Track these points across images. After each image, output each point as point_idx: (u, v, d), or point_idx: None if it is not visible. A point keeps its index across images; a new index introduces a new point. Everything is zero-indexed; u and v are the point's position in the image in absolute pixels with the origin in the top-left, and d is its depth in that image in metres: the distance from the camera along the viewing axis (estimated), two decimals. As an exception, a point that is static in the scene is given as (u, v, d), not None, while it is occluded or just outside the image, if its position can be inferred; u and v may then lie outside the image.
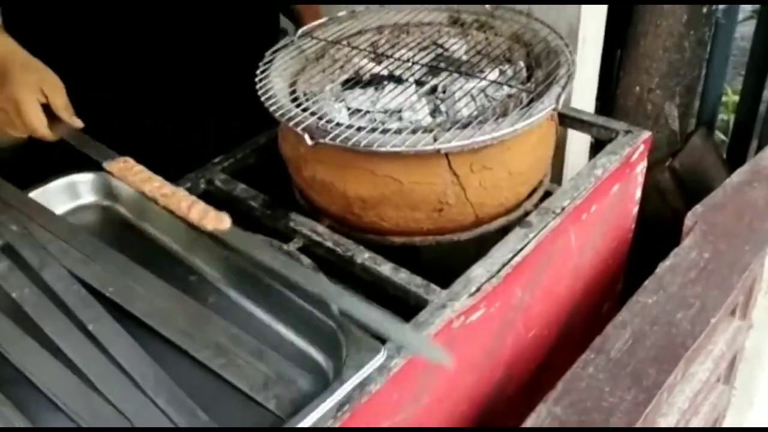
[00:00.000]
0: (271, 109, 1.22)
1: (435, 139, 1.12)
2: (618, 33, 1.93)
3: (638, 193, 1.55)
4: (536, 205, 1.33)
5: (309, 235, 1.27)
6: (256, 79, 1.31)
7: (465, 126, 1.16)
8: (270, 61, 1.37)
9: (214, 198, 1.41)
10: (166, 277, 1.13)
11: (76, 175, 1.33)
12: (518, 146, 1.22)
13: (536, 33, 1.41)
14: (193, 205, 1.15)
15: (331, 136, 1.13)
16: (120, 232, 1.30)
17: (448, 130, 1.14)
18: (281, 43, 1.44)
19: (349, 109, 1.32)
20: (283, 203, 1.35)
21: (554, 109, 1.18)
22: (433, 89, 1.35)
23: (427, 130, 1.16)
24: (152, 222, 1.26)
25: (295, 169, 1.32)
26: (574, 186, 1.33)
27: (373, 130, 1.15)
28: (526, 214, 1.31)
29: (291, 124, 1.17)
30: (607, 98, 1.97)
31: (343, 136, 1.13)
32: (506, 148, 1.21)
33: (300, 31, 1.47)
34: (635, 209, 1.58)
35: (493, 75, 1.35)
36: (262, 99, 1.25)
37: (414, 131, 1.14)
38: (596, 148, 1.67)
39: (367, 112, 1.30)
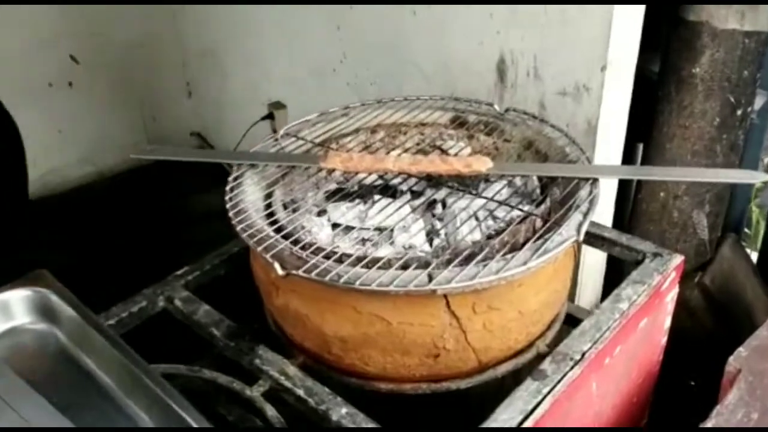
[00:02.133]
0: (238, 227, 1.03)
1: (430, 278, 0.92)
2: (640, 126, 1.75)
3: (668, 323, 1.34)
4: (551, 345, 1.12)
5: (277, 378, 1.06)
6: (227, 188, 1.13)
7: (467, 259, 0.96)
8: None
9: (171, 321, 1.21)
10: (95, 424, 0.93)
11: (9, 291, 1.13)
12: (530, 283, 1.02)
13: (550, 140, 1.23)
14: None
15: (305, 267, 0.93)
16: (55, 362, 1.09)
17: (447, 264, 0.95)
18: (261, 144, 1.26)
19: (333, 224, 1.13)
20: (253, 331, 1.14)
21: (576, 242, 0.99)
22: (431, 204, 1.16)
23: (422, 263, 0.96)
24: (91, 353, 1.06)
25: (266, 294, 1.12)
26: (596, 325, 1.12)
27: (358, 260, 0.96)
28: (539, 356, 1.10)
29: (259, 249, 0.98)
30: (628, 201, 1.77)
31: (321, 268, 0.93)
32: (516, 285, 1.01)
33: (283, 130, 1.29)
34: (664, 339, 1.37)
35: (503, 190, 1.16)
36: (229, 213, 1.06)
37: (405, 265, 0.95)
38: (616, 263, 1.46)
39: (353, 228, 1.11)
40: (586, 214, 1.02)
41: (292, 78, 2.49)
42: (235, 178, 1.15)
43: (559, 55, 1.53)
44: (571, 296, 1.64)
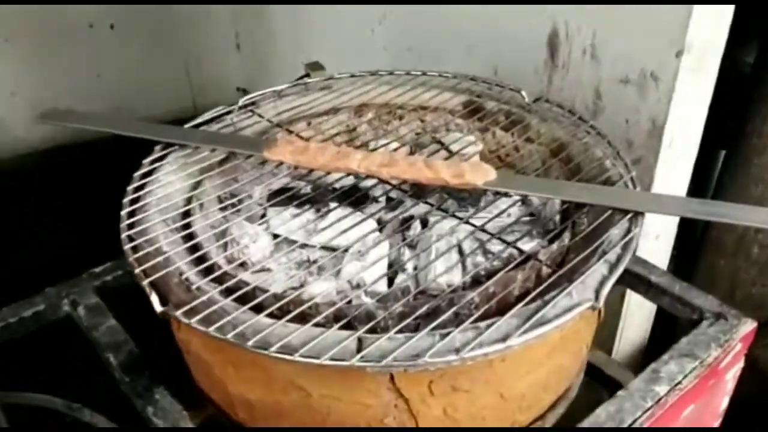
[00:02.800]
0: (124, 233, 0.75)
1: (360, 346, 0.62)
2: (723, 132, 1.38)
3: (725, 404, 1.00)
4: (550, 434, 0.81)
5: (167, 439, 0.78)
6: (136, 173, 0.85)
7: (428, 317, 0.65)
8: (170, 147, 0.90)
9: (65, 333, 0.96)
10: None
11: None
12: (519, 358, 0.71)
13: (587, 147, 0.90)
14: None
15: (187, 308, 0.65)
16: None
17: (398, 320, 0.65)
18: (208, 114, 0.97)
19: (274, 236, 0.84)
20: (154, 365, 0.88)
21: (593, 308, 0.66)
22: (406, 222, 0.85)
23: (361, 317, 0.66)
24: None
25: (171, 322, 0.84)
26: (616, 414, 0.80)
27: (275, 299, 0.67)
28: (530, 448, 0.79)
29: (137, 270, 0.70)
30: (696, 225, 1.42)
31: (208, 311, 0.64)
32: (498, 360, 0.69)
33: (242, 101, 1.00)
34: (717, 423, 1.03)
35: (512, 209, 0.84)
36: (122, 211, 0.78)
37: (339, 315, 0.65)
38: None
39: (298, 246, 0.82)
40: (613, 267, 0.69)
41: (331, 38, 2.22)
42: (153, 161, 0.87)
43: (623, 34, 1.17)
44: (609, 345, 1.31)
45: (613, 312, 1.32)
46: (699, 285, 1.37)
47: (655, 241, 1.28)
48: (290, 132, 0.94)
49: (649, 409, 0.81)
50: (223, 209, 0.85)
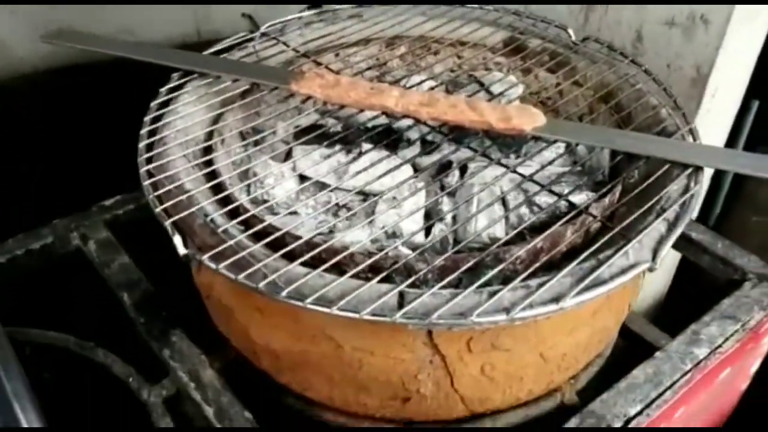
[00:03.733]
0: (142, 168, 0.69)
1: (401, 302, 0.57)
2: (761, 79, 1.30)
3: (756, 366, 0.97)
4: (583, 393, 0.78)
5: (185, 383, 0.75)
6: (152, 102, 0.79)
7: (471, 273, 0.60)
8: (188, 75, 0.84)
9: (70, 268, 0.92)
10: None
11: None
12: (565, 318, 0.67)
13: (639, 94, 0.83)
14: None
15: (213, 252, 0.60)
16: None
17: (439, 276, 0.60)
18: (229, 40, 0.90)
19: (301, 177, 0.78)
20: (172, 305, 0.83)
21: (650, 270, 0.61)
22: (444, 168, 0.79)
23: (400, 269, 0.61)
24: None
25: (192, 267, 0.80)
26: (654, 377, 0.76)
27: (308, 248, 0.62)
28: (562, 407, 0.76)
29: (158, 209, 0.64)
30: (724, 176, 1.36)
31: (237, 257, 0.59)
32: (542, 319, 0.65)
33: (264, 28, 0.93)
34: (746, 384, 1.00)
35: (557, 159, 0.78)
36: (140, 143, 0.72)
37: (375, 267, 0.60)
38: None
39: (325, 189, 0.77)
40: (672, 227, 0.64)
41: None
42: (171, 90, 0.80)
43: (675, -28, 1.09)
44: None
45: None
46: (731, 240, 1.33)
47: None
48: (318, 63, 0.87)
49: (688, 371, 0.77)
50: (245, 146, 0.79)
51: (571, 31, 0.93)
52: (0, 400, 0.66)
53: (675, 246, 0.94)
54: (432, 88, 0.87)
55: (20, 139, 1.21)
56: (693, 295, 1.20)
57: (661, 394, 0.75)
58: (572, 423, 0.71)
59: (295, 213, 0.74)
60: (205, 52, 0.88)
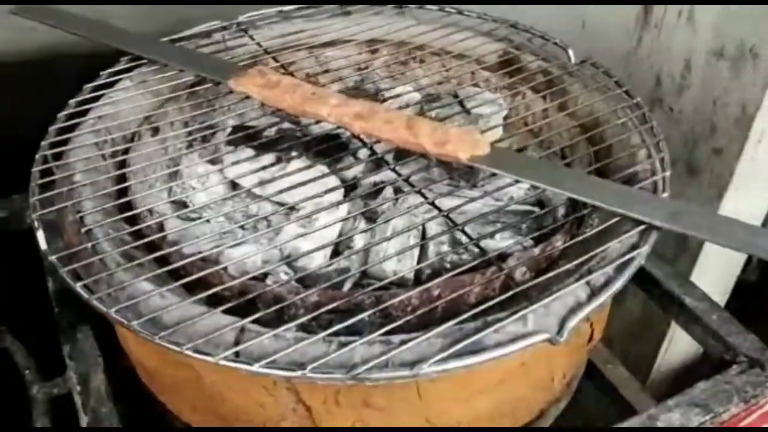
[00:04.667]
0: (40, 152, 0.65)
1: (237, 340, 0.50)
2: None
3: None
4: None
5: (73, 385, 0.71)
6: (86, 86, 0.75)
7: (347, 313, 0.52)
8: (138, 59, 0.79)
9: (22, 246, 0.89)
10: None
11: None
12: (458, 380, 0.57)
13: (622, 125, 0.71)
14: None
15: (69, 251, 0.55)
16: None
17: (311, 310, 0.52)
18: (199, 27, 0.86)
19: (227, 178, 0.72)
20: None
21: (552, 342, 0.51)
22: (377, 191, 0.71)
23: (266, 299, 0.54)
24: None
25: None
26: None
27: (162, 262, 0.56)
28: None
29: (33, 199, 0.60)
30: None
31: (84, 262, 0.54)
32: (427, 380, 0.56)
33: (242, 17, 0.87)
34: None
35: (510, 192, 0.68)
36: (54, 125, 0.69)
37: (243, 291, 0.53)
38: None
39: (249, 197, 0.70)
40: (595, 293, 0.53)
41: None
42: (114, 74, 0.76)
43: (728, -2, 0.96)
44: (648, 367, 1.14)
45: (656, 332, 1.14)
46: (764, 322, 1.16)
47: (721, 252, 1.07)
48: (276, 60, 0.81)
49: (630, 465, 0.65)
50: (186, 141, 0.74)
51: (570, 52, 0.82)
52: None
53: (665, 309, 0.82)
54: (408, 106, 0.79)
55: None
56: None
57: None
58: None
59: (201, 218, 0.68)
60: (169, 38, 0.83)
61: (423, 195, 0.63)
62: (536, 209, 0.70)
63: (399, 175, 0.65)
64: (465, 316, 0.51)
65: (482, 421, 0.62)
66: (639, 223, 0.58)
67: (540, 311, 0.51)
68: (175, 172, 0.72)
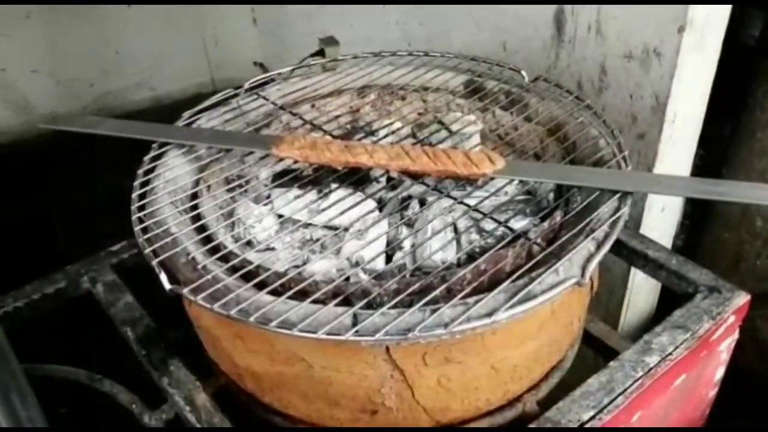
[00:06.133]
0: (135, 215, 0.79)
1: (355, 321, 0.66)
2: (727, 104, 1.37)
3: (720, 374, 1.03)
4: (544, 403, 0.85)
5: (182, 407, 0.84)
6: (146, 157, 0.89)
7: (421, 293, 0.69)
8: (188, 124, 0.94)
9: (78, 310, 1.01)
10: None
11: None
12: (511, 331, 0.75)
13: (583, 127, 0.92)
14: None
15: (193, 285, 0.69)
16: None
17: (393, 296, 0.68)
18: (216, 97, 1.01)
19: (279, 216, 0.88)
20: (170, 338, 0.93)
21: (578, 284, 0.69)
22: (405, 201, 0.88)
23: (358, 293, 0.69)
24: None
25: (183, 301, 0.89)
26: (606, 385, 0.83)
27: (277, 277, 0.70)
28: (525, 416, 0.83)
29: (147, 250, 0.74)
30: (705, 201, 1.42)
31: (212, 289, 0.69)
32: (489, 334, 0.73)
33: (248, 84, 1.03)
34: (713, 393, 1.06)
35: (507, 188, 0.87)
36: (133, 194, 0.83)
37: (336, 292, 0.69)
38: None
39: (299, 226, 0.86)
40: (600, 245, 0.72)
41: (344, 11, 2.22)
42: (154, 158, 0.90)
43: (627, 9, 1.19)
44: (615, 319, 1.34)
45: (618, 286, 1.34)
46: (705, 256, 1.39)
47: (661, 213, 1.30)
48: (294, 114, 0.98)
49: (638, 378, 0.84)
50: (229, 190, 0.89)
51: (524, 73, 1.02)
52: (16, 426, 0.76)
53: (634, 263, 1.02)
54: (398, 130, 0.97)
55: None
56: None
57: (612, 400, 0.82)
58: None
59: (272, 249, 0.83)
60: (193, 110, 0.98)
61: (452, 197, 0.80)
62: (530, 197, 0.89)
63: (427, 186, 0.83)
64: (516, 275, 0.69)
65: (530, 361, 0.80)
66: (615, 192, 0.78)
67: (566, 264, 0.70)
68: (234, 215, 0.86)
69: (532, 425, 0.79)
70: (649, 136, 1.24)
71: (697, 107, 1.26)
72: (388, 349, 0.72)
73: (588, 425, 0.79)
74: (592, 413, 0.80)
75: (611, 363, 0.86)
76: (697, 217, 1.43)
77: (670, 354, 0.87)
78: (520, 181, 0.91)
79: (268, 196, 0.91)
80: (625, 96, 1.26)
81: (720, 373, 1.03)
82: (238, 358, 0.79)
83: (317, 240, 0.84)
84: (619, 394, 0.82)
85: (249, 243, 0.85)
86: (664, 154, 1.24)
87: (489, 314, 0.65)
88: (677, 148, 1.27)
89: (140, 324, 0.94)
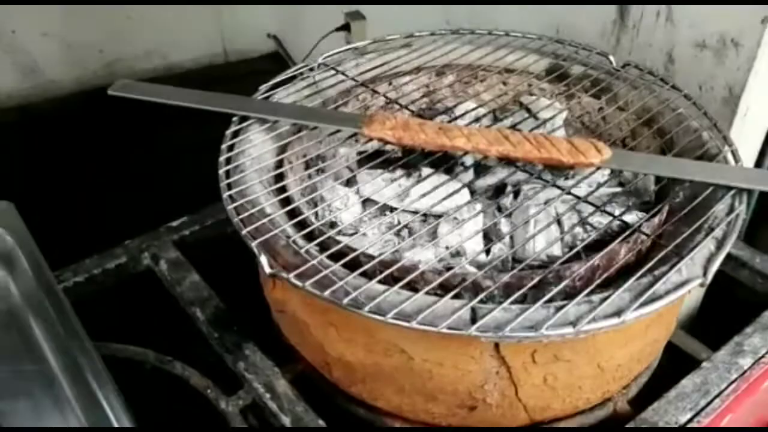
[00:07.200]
0: (225, 193, 0.75)
1: (474, 317, 0.62)
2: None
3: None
4: (634, 402, 0.82)
5: (261, 393, 0.80)
6: (223, 145, 0.84)
7: (536, 290, 0.65)
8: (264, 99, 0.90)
9: (141, 289, 0.97)
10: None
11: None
12: (622, 330, 0.71)
13: (680, 117, 0.88)
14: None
15: (299, 271, 0.65)
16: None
17: (505, 292, 0.65)
18: (287, 72, 0.96)
19: (366, 201, 0.84)
20: (243, 320, 0.89)
21: (701, 285, 0.66)
22: (499, 190, 0.85)
23: (468, 287, 0.66)
24: (38, 319, 0.84)
25: (264, 281, 0.86)
26: (702, 387, 0.81)
27: (382, 267, 0.67)
28: (616, 416, 0.81)
29: (244, 231, 0.70)
30: None
31: (321, 275, 0.65)
32: (602, 332, 0.70)
33: (321, 58, 0.99)
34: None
35: (604, 182, 0.84)
36: (220, 171, 0.78)
37: (445, 285, 0.65)
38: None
39: (388, 210, 0.82)
40: (721, 245, 0.69)
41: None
42: (235, 133, 0.86)
43: (704, -4, 1.14)
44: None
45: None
46: (766, 246, 1.36)
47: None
48: (375, 92, 0.93)
49: (734, 381, 0.82)
50: (314, 172, 0.85)
51: (612, 58, 0.98)
52: (93, 404, 0.73)
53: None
54: (481, 117, 0.93)
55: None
56: (727, 308, 1.24)
57: (709, 403, 0.79)
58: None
59: (362, 234, 0.79)
60: (268, 84, 0.93)
61: (559, 187, 0.77)
62: (628, 189, 0.85)
63: (530, 174, 0.79)
64: (640, 273, 0.65)
65: (633, 361, 0.77)
66: (729, 188, 0.75)
67: (688, 263, 0.67)
68: (319, 197, 0.82)
69: (629, 425, 0.76)
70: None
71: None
72: (497, 345, 0.68)
73: (686, 425, 0.77)
74: (689, 415, 0.78)
75: (704, 364, 0.84)
76: (760, 206, 1.39)
77: (763, 356, 0.84)
78: (614, 176, 0.88)
79: (352, 179, 0.87)
80: (694, 87, 1.22)
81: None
82: (330, 346, 0.76)
83: (405, 226, 0.80)
84: (715, 397, 0.80)
85: (333, 225, 0.81)
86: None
87: (617, 314, 0.62)
88: (745, 143, 1.24)
89: (209, 305, 0.91)
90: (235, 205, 0.74)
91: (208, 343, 0.88)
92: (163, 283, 0.96)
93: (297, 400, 0.79)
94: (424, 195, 0.78)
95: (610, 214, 0.73)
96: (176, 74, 2.77)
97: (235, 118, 0.86)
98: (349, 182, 0.87)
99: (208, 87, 0.92)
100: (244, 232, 0.70)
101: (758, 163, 1.36)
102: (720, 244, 0.69)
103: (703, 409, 0.79)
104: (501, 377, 0.70)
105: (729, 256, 0.97)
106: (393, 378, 0.73)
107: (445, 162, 0.84)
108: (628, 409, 0.81)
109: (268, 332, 0.88)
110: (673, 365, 0.91)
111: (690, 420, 0.77)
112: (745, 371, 0.83)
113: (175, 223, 1.03)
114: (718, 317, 1.21)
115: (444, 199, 0.78)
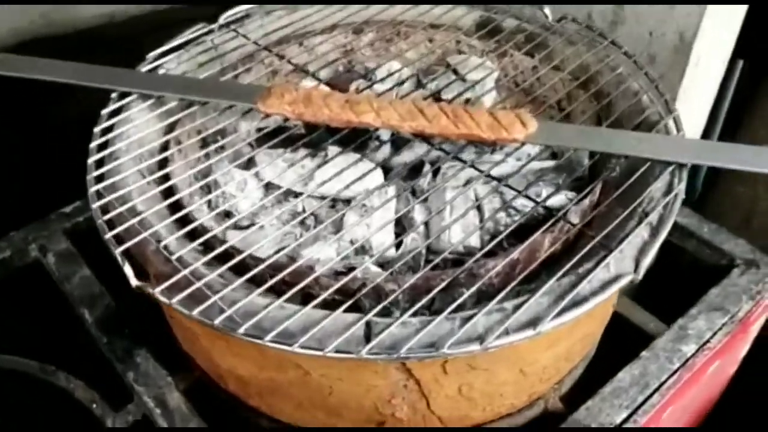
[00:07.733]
0: (91, 188, 0.64)
1: (368, 335, 0.54)
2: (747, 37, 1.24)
3: (744, 352, 0.95)
4: (565, 398, 0.75)
5: (150, 409, 0.72)
6: (103, 112, 0.73)
7: (445, 293, 0.56)
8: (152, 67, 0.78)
9: (29, 286, 0.87)
10: None
11: None
12: (547, 333, 0.63)
13: (620, 78, 0.78)
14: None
15: (166, 284, 0.56)
16: None
17: (410, 298, 0.56)
18: (186, 34, 0.84)
19: (265, 185, 0.74)
20: (137, 323, 0.80)
21: (632, 282, 0.58)
22: (414, 171, 0.75)
23: (369, 293, 0.57)
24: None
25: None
26: (640, 380, 0.73)
27: (273, 271, 0.57)
28: (547, 414, 0.74)
29: (107, 236, 0.60)
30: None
31: (191, 290, 0.55)
32: (521, 337, 0.62)
33: (223, 18, 0.87)
34: (734, 370, 0.98)
35: (533, 155, 0.74)
36: (89, 159, 0.67)
37: (344, 290, 0.56)
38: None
39: (292, 195, 0.73)
40: (656, 232, 0.60)
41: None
42: (114, 113, 0.74)
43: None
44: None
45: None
46: (715, 210, 1.29)
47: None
48: (281, 57, 0.82)
49: (676, 371, 0.75)
50: (206, 154, 0.74)
51: (547, 10, 0.88)
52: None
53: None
54: (404, 81, 0.82)
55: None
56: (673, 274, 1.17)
57: (648, 398, 0.72)
58: None
59: (259, 227, 0.69)
60: (161, 49, 0.81)
61: (478, 169, 0.67)
62: (557, 161, 0.76)
63: (446, 152, 0.69)
64: (561, 271, 0.57)
65: (561, 360, 0.69)
66: (668, 164, 0.66)
67: (617, 256, 0.58)
68: (211, 183, 0.72)
69: (563, 425, 0.69)
70: (668, 79, 1.12)
71: (723, 49, 1.14)
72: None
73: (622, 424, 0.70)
74: (625, 414, 0.71)
75: (643, 353, 0.77)
76: (710, 169, 1.32)
77: (708, 341, 0.77)
78: (548, 148, 0.78)
79: (251, 160, 0.77)
80: (644, 33, 1.12)
81: (745, 351, 0.94)
82: (220, 359, 0.67)
83: (312, 213, 0.70)
84: (654, 391, 0.73)
85: (228, 215, 0.71)
86: (683, 98, 1.13)
87: (533, 324, 0.54)
88: (697, 92, 1.15)
89: (99, 304, 0.81)
90: (101, 203, 0.63)
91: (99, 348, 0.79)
92: (52, 279, 0.86)
93: (191, 414, 0.71)
94: (329, 179, 0.68)
95: (533, 200, 0.64)
96: (120, 22, 2.58)
97: (113, 95, 0.75)
98: (249, 164, 0.77)
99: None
100: (107, 236, 0.60)
101: (713, 117, 1.28)
102: (655, 231, 0.61)
103: (640, 406, 0.72)
104: (410, 390, 0.62)
105: (675, 225, 0.90)
106: (289, 393, 0.65)
107: (357, 137, 0.74)
108: (560, 406, 0.74)
109: (164, 334, 0.79)
110: (621, 339, 0.84)
111: (626, 419, 0.70)
112: (688, 359, 0.76)
113: (68, 209, 0.92)
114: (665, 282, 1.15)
115: (353, 182, 0.68)
